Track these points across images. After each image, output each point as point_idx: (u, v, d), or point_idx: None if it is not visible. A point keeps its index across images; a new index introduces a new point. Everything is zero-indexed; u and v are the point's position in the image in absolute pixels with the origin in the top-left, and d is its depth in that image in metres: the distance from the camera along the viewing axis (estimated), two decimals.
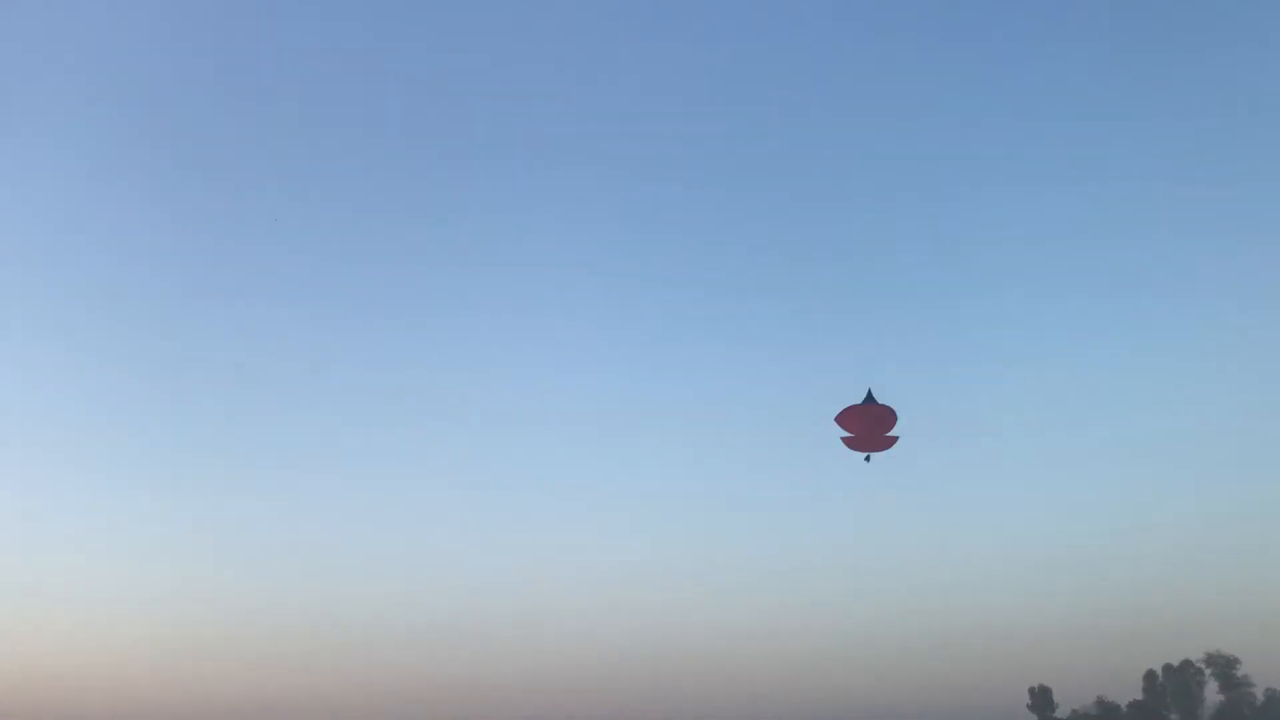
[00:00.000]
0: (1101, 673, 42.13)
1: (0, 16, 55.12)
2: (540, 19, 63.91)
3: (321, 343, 61.04)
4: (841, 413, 18.63)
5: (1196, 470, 52.60)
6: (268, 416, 57.37)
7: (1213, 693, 40.58)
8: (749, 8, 62.62)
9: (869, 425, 18.56)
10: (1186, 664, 41.23)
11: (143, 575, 48.57)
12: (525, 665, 44.51)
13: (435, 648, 45.84)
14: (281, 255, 63.83)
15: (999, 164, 62.25)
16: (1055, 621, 43.60)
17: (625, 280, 62.09)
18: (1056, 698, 42.92)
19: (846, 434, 18.63)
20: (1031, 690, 42.93)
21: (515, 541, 50.52)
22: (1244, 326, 54.97)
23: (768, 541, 50.77)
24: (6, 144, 56.82)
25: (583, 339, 61.72)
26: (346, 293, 63.83)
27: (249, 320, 61.21)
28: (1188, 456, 52.04)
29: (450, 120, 65.10)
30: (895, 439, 18.46)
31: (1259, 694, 39.74)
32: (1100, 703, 42.48)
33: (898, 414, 18.61)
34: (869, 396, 18.49)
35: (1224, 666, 40.23)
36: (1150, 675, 41.84)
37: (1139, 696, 41.82)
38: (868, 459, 18.55)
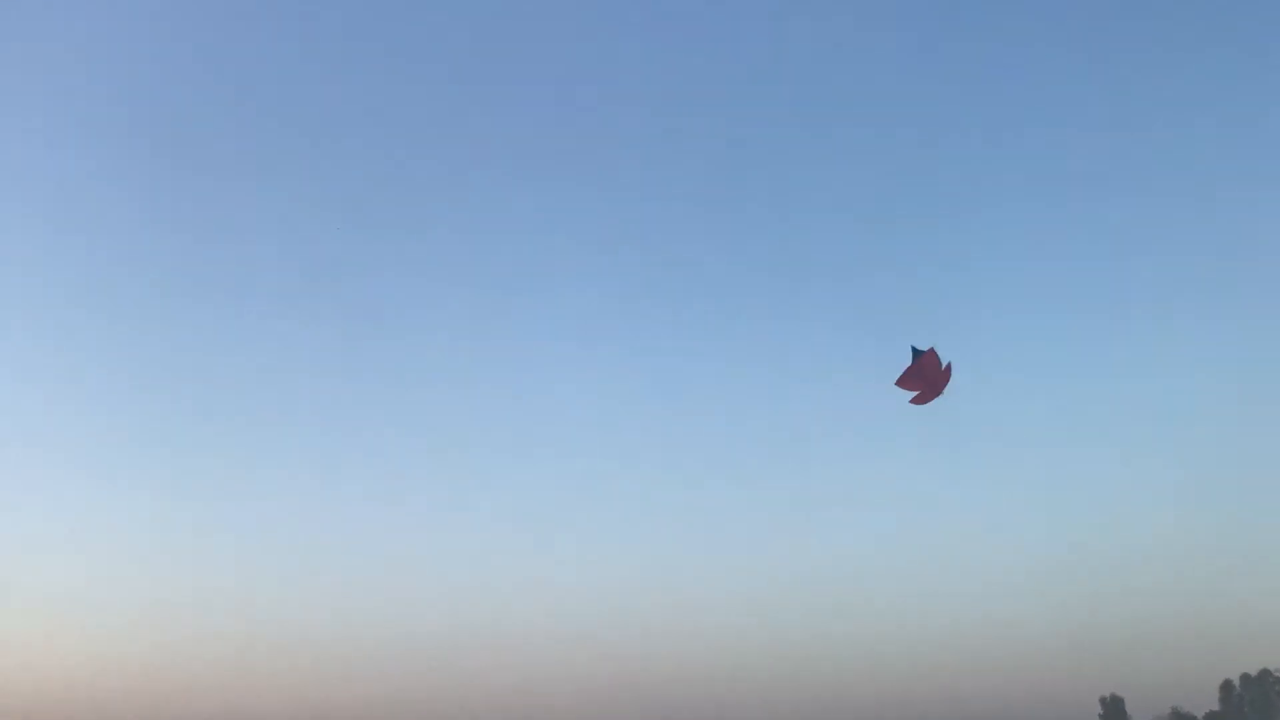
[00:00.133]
0: (1176, 682, 41.10)
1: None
2: (541, 20, 60.78)
3: (322, 345, 59.30)
4: (901, 377, 19.01)
5: (1275, 472, 51.15)
6: (266, 419, 56.00)
7: None
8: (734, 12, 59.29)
9: (929, 377, 18.94)
10: (1265, 673, 40.37)
11: (140, 578, 47.79)
12: (530, 675, 43.84)
13: (440, 657, 45.25)
14: (284, 257, 61.67)
15: (987, 171, 59.90)
16: (1128, 629, 42.45)
17: (617, 290, 60.33)
18: (1129, 708, 42.11)
19: (912, 393, 19.12)
20: (1103, 700, 42.13)
21: (514, 547, 49.55)
22: None
23: (813, 546, 49.50)
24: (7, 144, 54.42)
25: (583, 342, 60.17)
26: (351, 296, 61.79)
27: (250, 321, 59.35)
28: (1269, 458, 50.40)
29: (454, 120, 62.37)
30: (948, 369, 18.80)
31: None
32: (1175, 714, 41.77)
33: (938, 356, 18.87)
34: (915, 353, 18.82)
35: None
36: (1227, 685, 41.00)
37: (1215, 707, 41.10)
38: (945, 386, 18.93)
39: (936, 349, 18.93)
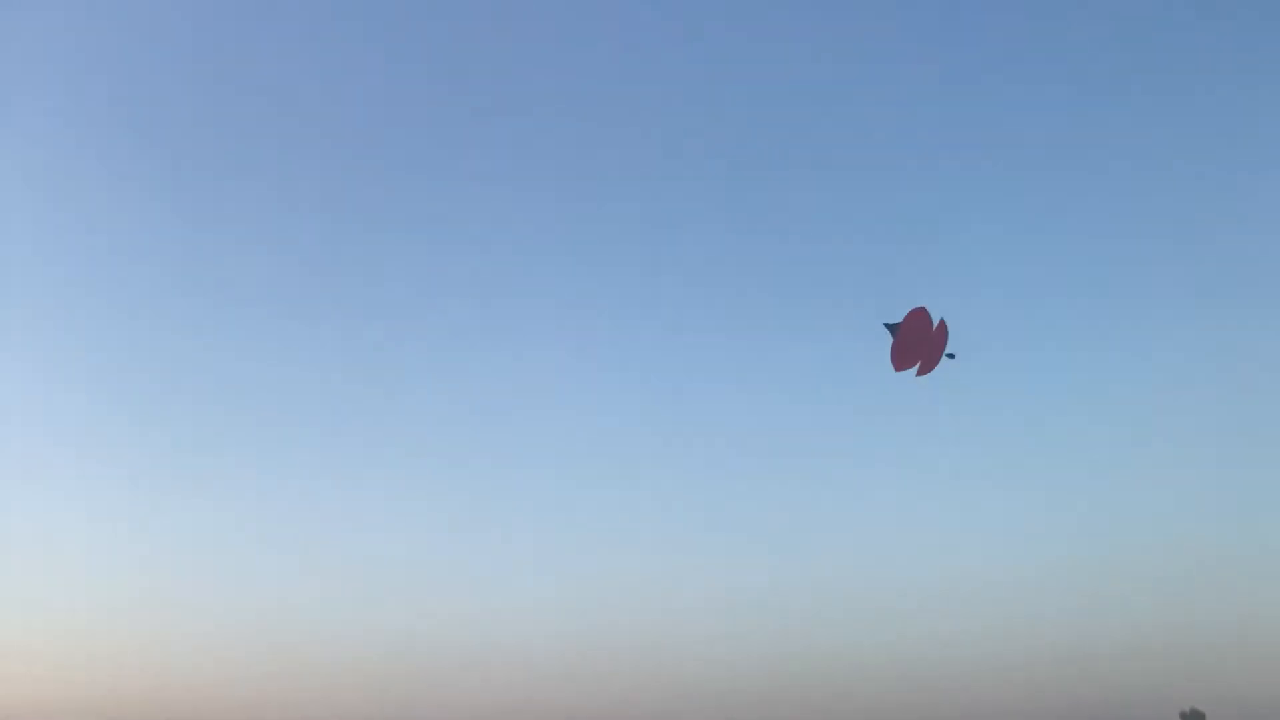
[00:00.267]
0: (1259, 697, 40.01)
1: None
2: (541, 19, 60.61)
3: (323, 345, 59.25)
4: (894, 356, 16.52)
5: None
6: (265, 421, 55.87)
7: None
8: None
9: (922, 346, 16.56)
10: None
11: (132, 577, 47.59)
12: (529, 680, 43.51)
13: (449, 669, 45.03)
14: (287, 256, 61.63)
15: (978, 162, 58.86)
16: (1208, 639, 41.37)
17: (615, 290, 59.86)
18: None
19: (911, 367, 16.66)
20: (1183, 715, 41.06)
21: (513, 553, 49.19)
22: None
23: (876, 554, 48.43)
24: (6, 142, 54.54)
25: (584, 347, 59.91)
26: (356, 299, 61.71)
27: (251, 323, 59.30)
28: None
29: (458, 118, 62.29)
30: (941, 326, 16.42)
31: None
32: None
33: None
34: (893, 328, 16.46)
35: None
36: None
37: None
38: (952, 356, 16.26)
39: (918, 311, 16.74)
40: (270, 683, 43.84)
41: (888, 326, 16.53)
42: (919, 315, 16.56)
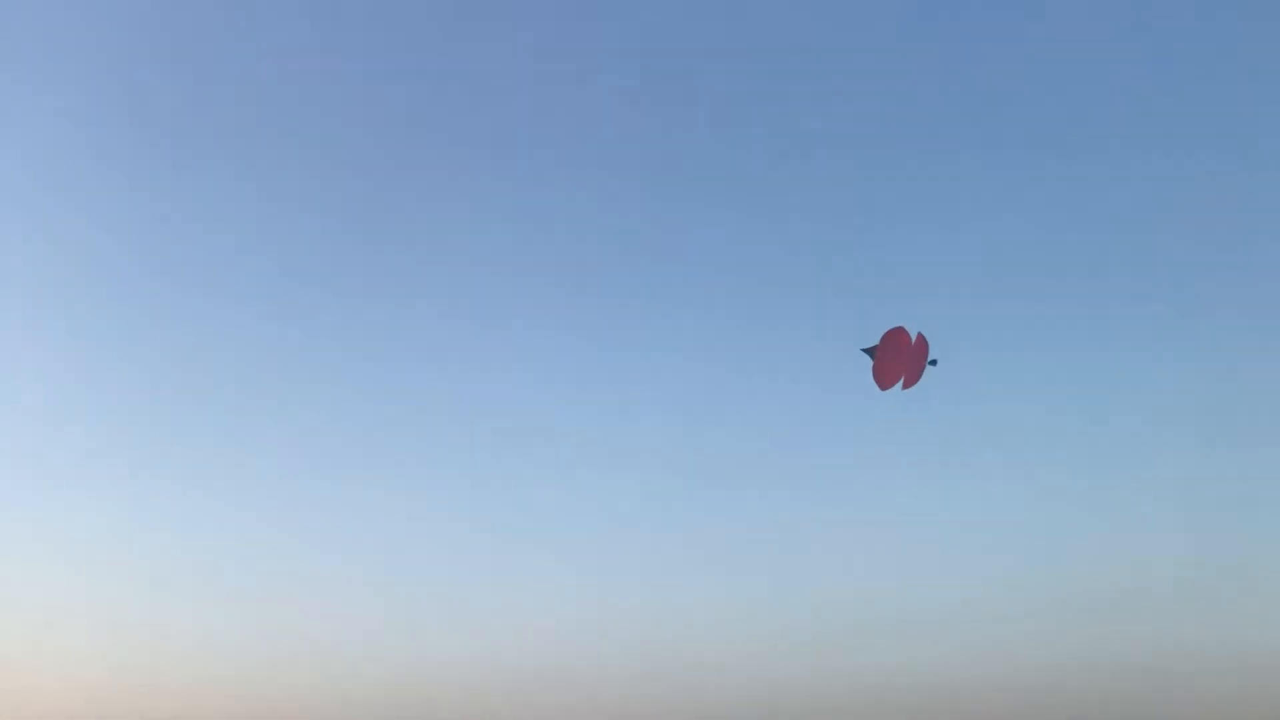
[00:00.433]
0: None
1: None
2: (541, 19, 59.70)
3: (321, 348, 58.70)
4: (877, 375, 16.62)
5: None
6: (265, 424, 55.26)
7: None
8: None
9: (902, 359, 16.72)
10: None
11: (125, 577, 47.06)
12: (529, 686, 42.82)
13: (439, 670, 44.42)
14: (283, 251, 61.04)
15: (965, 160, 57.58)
16: (1215, 659, 39.57)
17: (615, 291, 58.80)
18: None
19: (897, 383, 16.91)
20: None
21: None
22: None
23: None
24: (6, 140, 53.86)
25: (586, 348, 58.98)
26: (359, 298, 61.12)
27: (247, 315, 58.58)
28: None
29: (461, 116, 61.67)
30: (920, 340, 16.63)
31: None
32: None
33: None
34: (871, 350, 16.49)
35: None
36: None
37: None
38: (934, 363, 16.67)
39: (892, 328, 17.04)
40: (269, 682, 43.96)
41: (865, 351, 16.35)
42: (896, 334, 16.47)
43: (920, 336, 16.95)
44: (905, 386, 17.12)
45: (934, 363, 16.52)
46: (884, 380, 16.64)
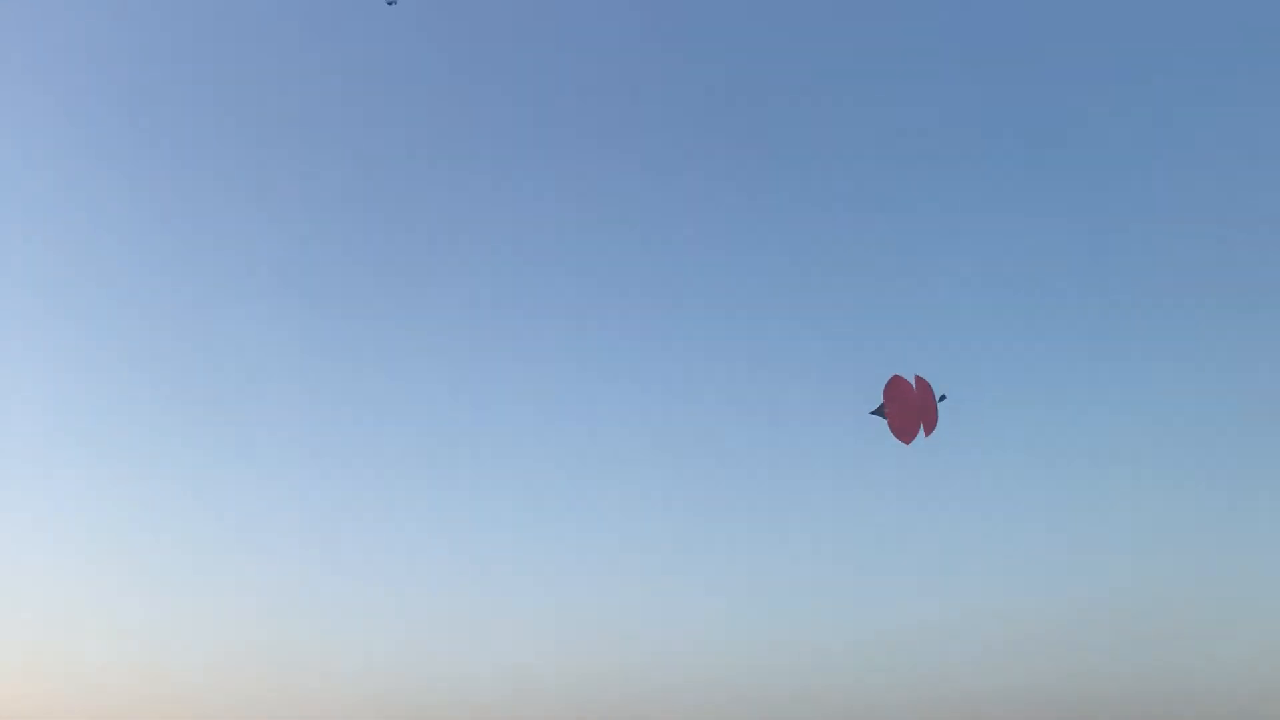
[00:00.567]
0: None
1: None
2: (541, 19, 59.42)
3: (321, 348, 58.37)
4: (894, 428, 16.68)
5: None
6: (265, 423, 55.01)
7: None
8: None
9: (912, 408, 16.74)
10: None
11: (121, 577, 46.90)
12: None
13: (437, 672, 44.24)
14: (294, 260, 60.92)
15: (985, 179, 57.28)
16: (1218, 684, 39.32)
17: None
18: None
19: (911, 431, 17.02)
20: None
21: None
22: None
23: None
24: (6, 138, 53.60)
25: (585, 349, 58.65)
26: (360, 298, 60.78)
27: (247, 315, 58.36)
28: None
29: (462, 116, 61.42)
30: (922, 384, 16.60)
31: None
32: None
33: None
34: (880, 410, 16.52)
35: None
36: None
37: None
38: (943, 398, 16.59)
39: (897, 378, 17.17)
40: (271, 691, 43.76)
41: (874, 413, 16.19)
42: (896, 384, 16.28)
43: (919, 379, 16.90)
44: (928, 433, 16.94)
45: (943, 398, 16.37)
46: (906, 435, 16.37)
